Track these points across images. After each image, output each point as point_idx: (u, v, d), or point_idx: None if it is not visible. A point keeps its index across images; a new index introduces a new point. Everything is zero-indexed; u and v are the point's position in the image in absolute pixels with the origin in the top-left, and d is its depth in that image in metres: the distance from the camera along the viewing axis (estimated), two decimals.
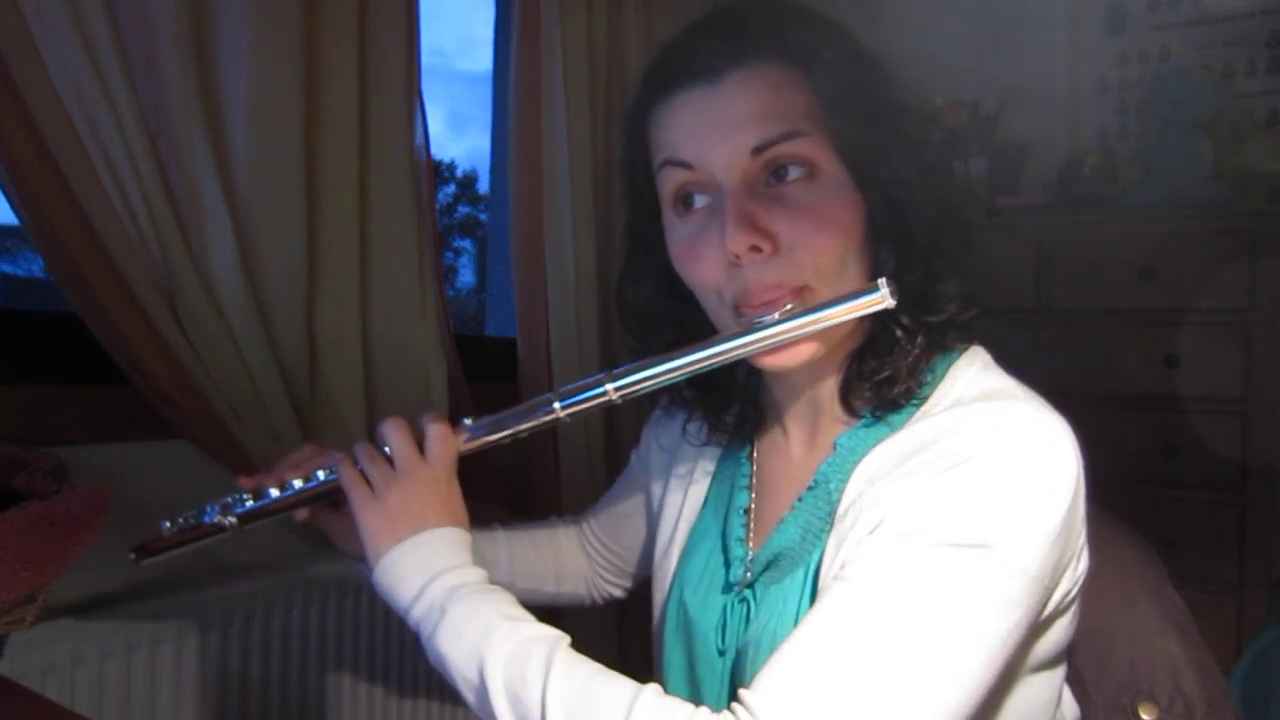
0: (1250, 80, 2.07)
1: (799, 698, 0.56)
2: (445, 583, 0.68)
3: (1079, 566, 0.67)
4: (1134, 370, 1.86)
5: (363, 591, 1.45)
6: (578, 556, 1.01)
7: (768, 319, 0.65)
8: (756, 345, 0.66)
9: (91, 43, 1.08)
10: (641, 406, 0.93)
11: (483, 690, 0.62)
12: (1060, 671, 0.74)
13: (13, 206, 1.06)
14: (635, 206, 0.78)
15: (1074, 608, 0.70)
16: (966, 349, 0.72)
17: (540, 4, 1.75)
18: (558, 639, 0.64)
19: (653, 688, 0.60)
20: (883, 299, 0.63)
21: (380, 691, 1.49)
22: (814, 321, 0.64)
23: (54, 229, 1.06)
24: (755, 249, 0.64)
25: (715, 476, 0.84)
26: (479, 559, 0.74)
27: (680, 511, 0.84)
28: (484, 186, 2.39)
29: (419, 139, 1.52)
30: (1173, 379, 1.82)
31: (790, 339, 0.65)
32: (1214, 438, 1.78)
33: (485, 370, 1.79)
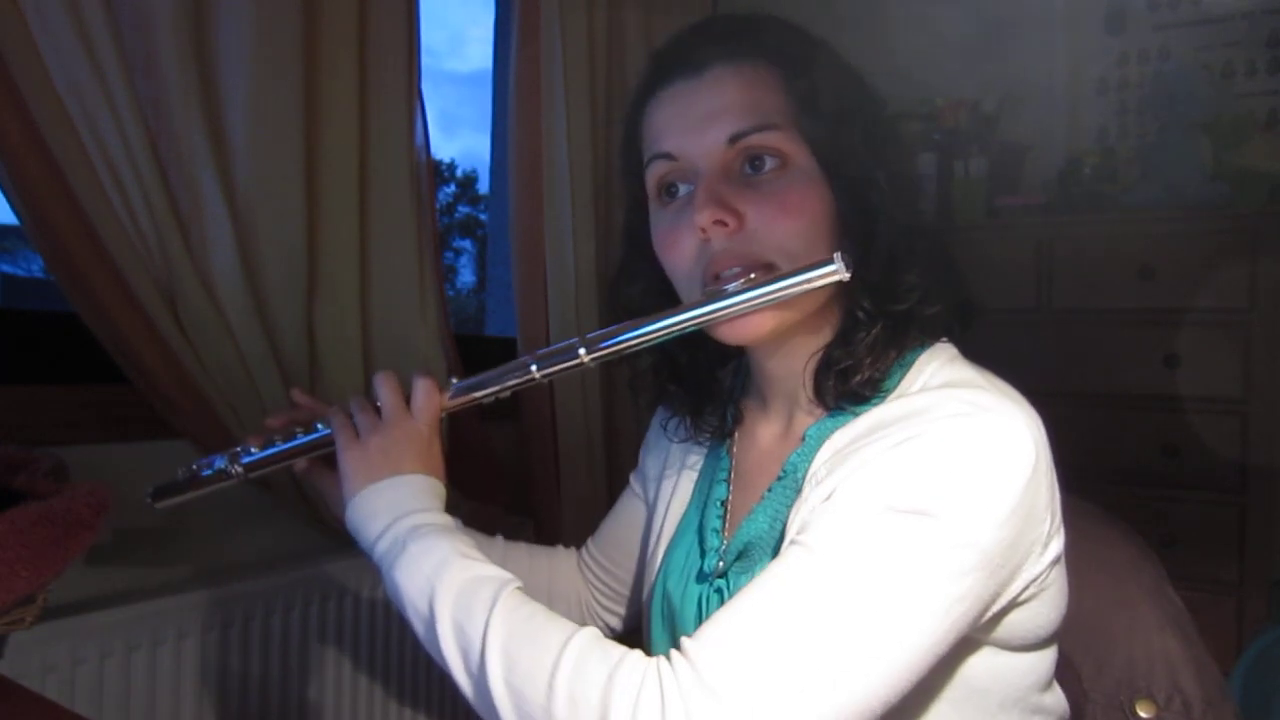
0: (1250, 80, 2.07)
1: (734, 647, 0.57)
2: (411, 521, 0.71)
3: (1045, 554, 0.65)
4: (1134, 370, 1.85)
5: (363, 592, 1.45)
6: (573, 579, 1.02)
7: (729, 289, 0.69)
8: (718, 314, 0.69)
9: (91, 43, 1.08)
10: (642, 410, 0.95)
11: (431, 621, 0.65)
12: (1048, 657, 0.73)
13: (13, 206, 1.06)
14: (632, 207, 0.82)
15: (1049, 594, 0.69)
16: (933, 344, 0.73)
17: (540, 3, 1.75)
18: (508, 580, 0.66)
19: (591, 630, 0.61)
20: (838, 271, 0.65)
21: (380, 691, 1.49)
22: (773, 292, 0.67)
23: (54, 229, 1.06)
24: (720, 223, 0.69)
25: (701, 473, 0.87)
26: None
27: (668, 507, 0.87)
28: (484, 186, 2.39)
29: (419, 139, 1.53)
30: (1173, 379, 1.81)
31: (749, 308, 0.68)
32: (1214, 438, 1.78)
33: (485, 370, 1.78)
